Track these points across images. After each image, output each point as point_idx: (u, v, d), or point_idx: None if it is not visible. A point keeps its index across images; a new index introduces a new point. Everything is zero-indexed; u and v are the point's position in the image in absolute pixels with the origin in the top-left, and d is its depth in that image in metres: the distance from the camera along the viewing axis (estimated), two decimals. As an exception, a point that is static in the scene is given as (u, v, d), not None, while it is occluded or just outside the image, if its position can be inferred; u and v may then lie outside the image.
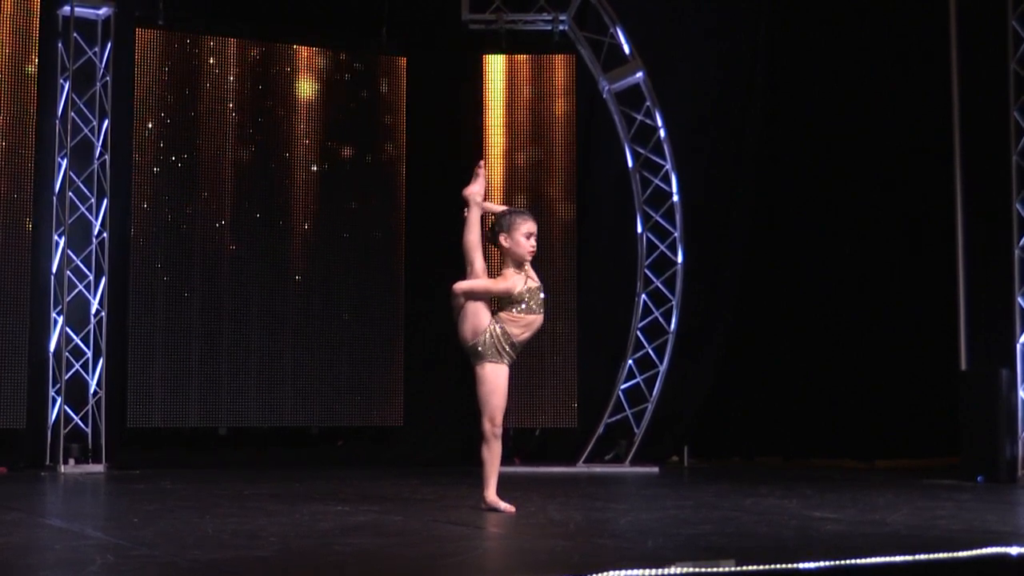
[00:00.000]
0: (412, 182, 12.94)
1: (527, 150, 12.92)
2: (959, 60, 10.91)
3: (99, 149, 11.61)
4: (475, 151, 12.81)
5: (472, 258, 7.15)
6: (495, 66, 13.00)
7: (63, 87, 11.57)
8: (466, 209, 7.24)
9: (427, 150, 12.97)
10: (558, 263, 12.62)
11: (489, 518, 6.88)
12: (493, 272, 7.36)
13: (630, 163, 12.46)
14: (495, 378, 7.15)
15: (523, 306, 7.13)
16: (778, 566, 4.62)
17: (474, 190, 7.27)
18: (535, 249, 7.20)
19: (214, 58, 12.35)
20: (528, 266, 7.22)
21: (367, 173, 12.89)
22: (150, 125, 12.06)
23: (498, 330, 7.12)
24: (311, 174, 12.65)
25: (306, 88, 12.68)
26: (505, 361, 7.17)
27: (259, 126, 12.47)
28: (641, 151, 12.42)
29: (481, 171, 7.34)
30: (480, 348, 7.12)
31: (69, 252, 11.44)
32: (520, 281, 7.14)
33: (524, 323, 7.15)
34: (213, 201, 12.27)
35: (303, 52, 12.70)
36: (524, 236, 7.15)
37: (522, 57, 12.97)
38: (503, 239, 7.17)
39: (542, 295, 7.22)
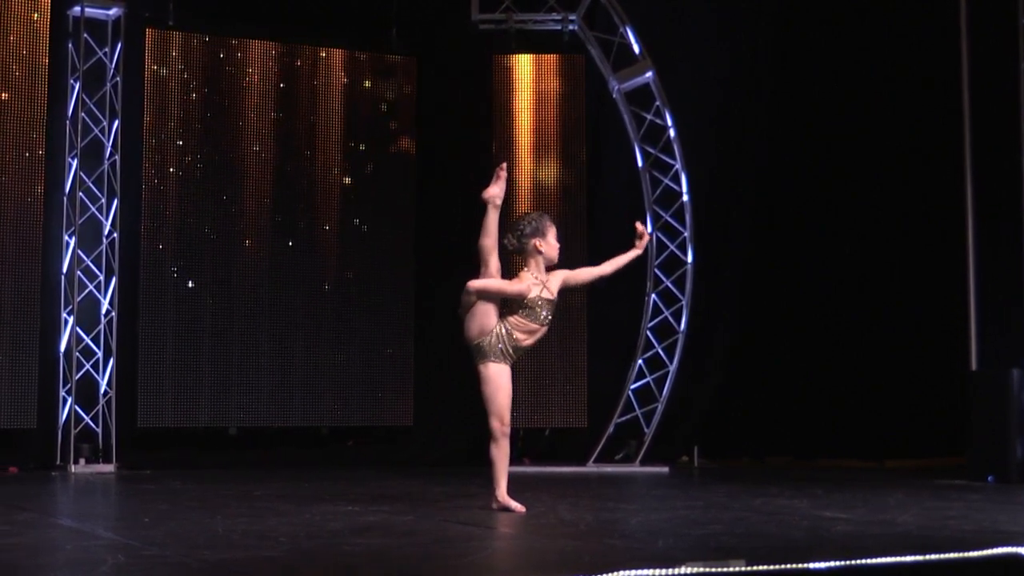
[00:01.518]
0: (423, 183, 12.95)
1: (536, 149, 12.91)
2: (969, 58, 10.89)
3: (109, 149, 11.63)
4: (484, 151, 12.84)
5: (487, 259, 7.14)
6: (505, 66, 13.00)
7: (73, 87, 11.59)
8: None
9: (437, 151, 12.97)
10: (567, 263, 12.56)
11: (499, 518, 6.88)
12: (510, 274, 7.35)
13: (640, 163, 12.46)
14: (498, 377, 7.15)
15: (530, 311, 7.13)
16: (789, 566, 4.62)
17: (494, 192, 7.25)
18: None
19: (224, 58, 12.36)
20: (554, 276, 7.24)
21: (378, 174, 12.89)
22: (160, 125, 12.07)
23: (504, 332, 7.13)
24: (322, 176, 12.66)
25: (318, 89, 12.68)
26: (507, 362, 7.17)
27: (270, 127, 12.48)
28: (651, 151, 12.42)
29: (502, 173, 7.33)
30: (484, 347, 7.13)
31: (80, 252, 11.47)
32: (536, 288, 7.14)
33: (528, 330, 7.15)
34: (224, 201, 12.27)
35: (314, 52, 12.71)
36: (554, 239, 7.27)
37: (532, 57, 12.97)
38: (539, 243, 7.20)
39: (550, 309, 7.21)
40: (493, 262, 7.14)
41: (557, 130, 12.92)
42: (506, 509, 7.06)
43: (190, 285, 12.08)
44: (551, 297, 7.21)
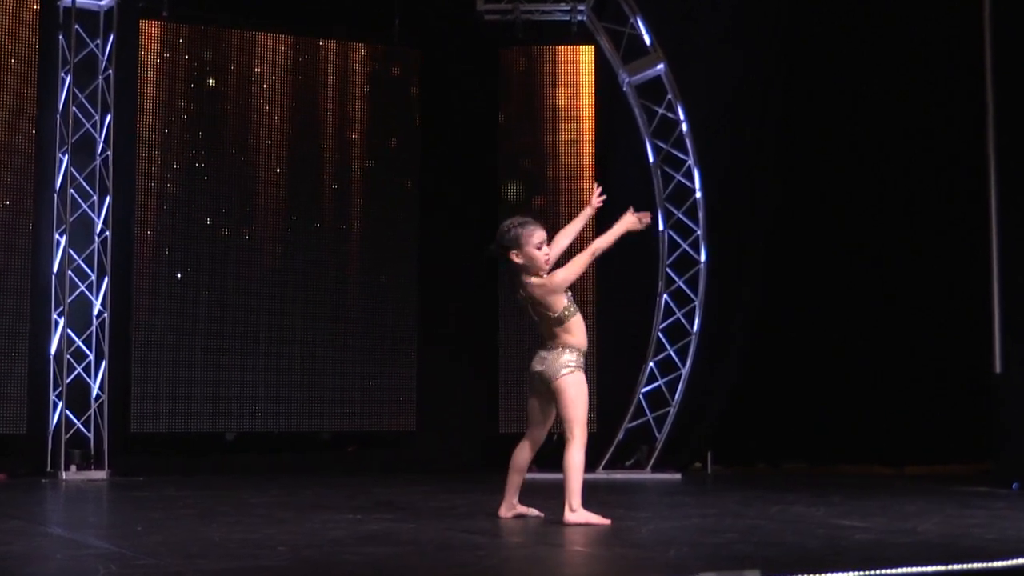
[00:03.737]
0: (426, 180, 12.95)
1: (544, 144, 12.91)
2: (992, 45, 10.84)
3: (101, 145, 11.64)
4: (489, 146, 12.85)
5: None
6: (511, 58, 13.00)
7: (64, 81, 11.59)
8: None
9: (441, 146, 12.97)
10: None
11: (505, 527, 6.88)
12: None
13: (651, 158, 12.45)
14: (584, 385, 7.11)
15: (573, 308, 7.09)
16: (805, 576, 4.62)
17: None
18: (550, 257, 7.07)
19: (219, 51, 12.35)
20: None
21: (380, 172, 12.88)
22: (154, 120, 12.07)
23: (568, 351, 7.07)
24: (322, 174, 12.65)
25: (317, 81, 12.67)
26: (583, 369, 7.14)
27: (268, 122, 12.47)
28: (662, 146, 12.41)
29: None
30: (572, 364, 7.08)
31: (71, 251, 11.47)
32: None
33: (581, 325, 7.12)
34: (219, 200, 12.27)
35: (312, 44, 12.70)
36: (536, 247, 6.99)
37: (539, 49, 12.97)
38: (515, 256, 6.99)
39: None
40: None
41: (565, 124, 12.91)
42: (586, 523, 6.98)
43: (185, 285, 12.07)
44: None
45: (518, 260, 6.99)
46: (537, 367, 7.08)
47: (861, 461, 12.62)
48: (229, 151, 12.34)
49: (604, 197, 7.37)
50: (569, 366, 7.01)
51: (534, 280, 6.99)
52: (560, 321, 7.03)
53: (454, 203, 12.90)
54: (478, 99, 13.03)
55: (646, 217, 7.35)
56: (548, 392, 7.06)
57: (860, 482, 10.89)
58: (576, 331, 7.07)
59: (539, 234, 7.01)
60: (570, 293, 7.09)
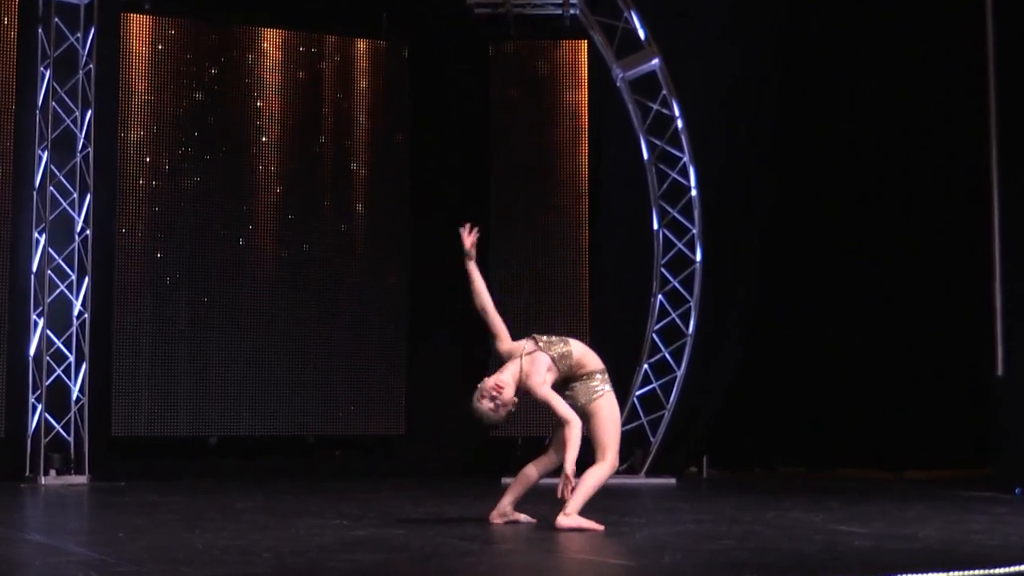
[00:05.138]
0: (416, 180, 12.94)
1: (536, 141, 12.91)
2: (995, 40, 10.84)
3: (82, 141, 11.62)
4: (480, 143, 12.84)
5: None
6: (502, 53, 13.00)
7: (44, 75, 11.57)
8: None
9: (432, 143, 12.96)
10: (569, 262, 12.61)
11: (496, 533, 6.88)
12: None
13: (645, 155, 12.45)
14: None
15: (559, 351, 7.14)
16: (803, 583, 4.63)
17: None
18: (492, 389, 7.01)
19: (203, 44, 12.34)
20: (528, 353, 7.14)
21: (369, 170, 12.87)
22: (138, 116, 12.06)
23: (592, 378, 7.22)
24: (310, 173, 12.64)
25: (307, 78, 12.66)
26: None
27: (254, 118, 12.45)
28: (657, 143, 12.40)
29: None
30: (600, 388, 7.22)
31: (50, 250, 11.45)
32: (541, 366, 7.11)
33: (582, 351, 7.25)
34: (204, 198, 12.25)
35: (299, 38, 12.68)
36: (506, 403, 7.01)
37: (531, 43, 12.96)
38: (512, 402, 7.04)
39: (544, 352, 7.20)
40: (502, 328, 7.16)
41: (557, 121, 12.91)
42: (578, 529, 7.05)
43: (168, 286, 12.05)
44: (536, 354, 7.16)
45: (511, 396, 7.03)
46: (568, 401, 7.19)
47: (860, 465, 12.63)
48: (213, 149, 12.32)
49: (476, 234, 7.28)
50: (598, 390, 7.22)
51: (531, 387, 7.06)
52: (568, 368, 7.17)
53: (447, 203, 12.88)
54: (470, 95, 13.02)
55: (465, 233, 7.26)
56: (582, 418, 7.16)
57: (859, 486, 10.91)
58: (585, 361, 7.26)
59: (485, 405, 7.00)
60: (536, 347, 7.15)
